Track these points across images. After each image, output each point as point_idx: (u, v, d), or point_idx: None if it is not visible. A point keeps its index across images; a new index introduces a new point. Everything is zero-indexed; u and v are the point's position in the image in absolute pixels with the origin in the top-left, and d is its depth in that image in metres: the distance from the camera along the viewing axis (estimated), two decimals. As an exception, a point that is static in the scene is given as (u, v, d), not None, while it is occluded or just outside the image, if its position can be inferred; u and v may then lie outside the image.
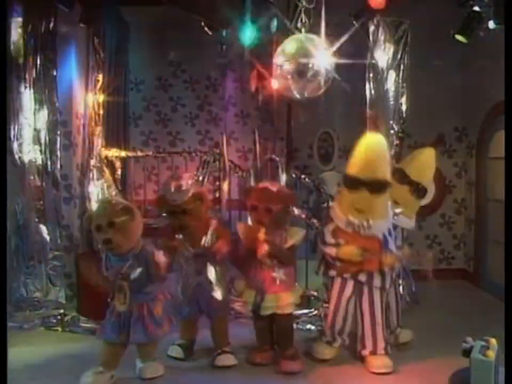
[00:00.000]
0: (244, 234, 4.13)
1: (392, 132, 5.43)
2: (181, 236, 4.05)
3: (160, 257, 3.82)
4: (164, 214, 4.30)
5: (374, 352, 4.14)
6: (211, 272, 4.03)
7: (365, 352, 4.17)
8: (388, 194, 3.99)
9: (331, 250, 4.11)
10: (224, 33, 5.56)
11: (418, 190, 4.34)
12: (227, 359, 4.13)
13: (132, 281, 3.69)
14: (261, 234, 3.92)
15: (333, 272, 4.23)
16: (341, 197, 4.20)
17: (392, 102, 5.44)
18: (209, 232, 4.02)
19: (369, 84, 5.43)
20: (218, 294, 4.03)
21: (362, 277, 4.11)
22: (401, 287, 5.39)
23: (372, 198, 3.89)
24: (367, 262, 4.02)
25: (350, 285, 4.17)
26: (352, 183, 3.95)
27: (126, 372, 3.87)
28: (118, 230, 3.63)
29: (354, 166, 3.96)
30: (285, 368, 4.03)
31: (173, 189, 4.03)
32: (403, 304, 5.29)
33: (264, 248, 3.92)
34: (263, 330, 4.22)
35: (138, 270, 3.71)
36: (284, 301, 4.05)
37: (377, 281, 4.11)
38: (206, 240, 4.00)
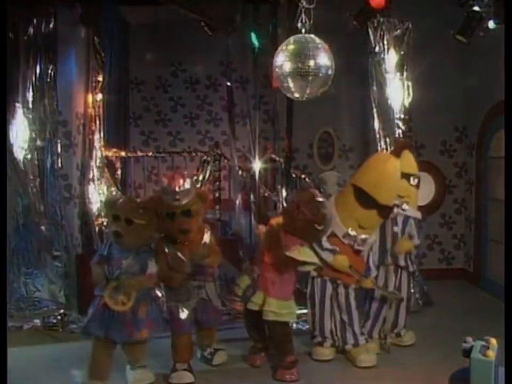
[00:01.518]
0: (266, 235, 4.04)
1: (397, 131, 5.45)
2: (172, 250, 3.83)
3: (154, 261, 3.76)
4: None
5: (356, 344, 4.23)
6: (211, 288, 3.99)
7: (348, 347, 4.26)
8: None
9: (327, 256, 4.15)
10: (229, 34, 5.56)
11: (415, 179, 4.56)
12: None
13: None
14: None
15: (314, 273, 4.29)
16: (343, 206, 4.21)
17: (395, 102, 5.45)
18: (202, 244, 3.90)
19: (372, 84, 5.44)
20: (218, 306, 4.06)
21: (339, 280, 4.26)
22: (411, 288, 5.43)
23: (378, 219, 4.18)
24: (348, 276, 4.17)
25: (329, 286, 4.28)
26: (367, 202, 4.04)
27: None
28: (134, 229, 3.63)
29: (374, 187, 4.02)
30: (280, 377, 3.96)
31: (176, 188, 3.79)
32: (415, 306, 5.34)
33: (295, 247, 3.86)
34: (251, 326, 4.20)
35: (136, 266, 3.69)
36: (285, 308, 3.98)
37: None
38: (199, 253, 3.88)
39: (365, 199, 4.03)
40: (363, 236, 4.11)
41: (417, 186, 4.62)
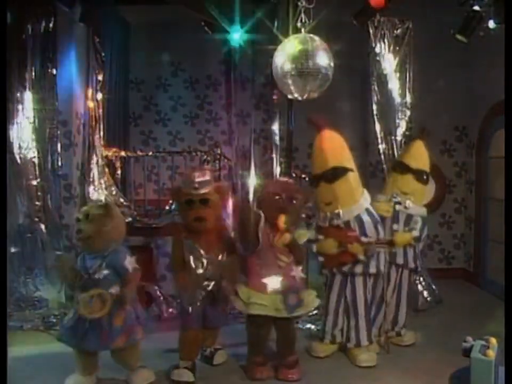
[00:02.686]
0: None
1: (399, 130, 5.45)
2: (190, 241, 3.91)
3: (132, 263, 3.69)
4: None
5: (358, 345, 4.20)
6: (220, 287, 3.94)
7: (350, 345, 4.24)
8: (349, 181, 4.12)
9: (311, 246, 4.21)
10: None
11: (421, 176, 4.53)
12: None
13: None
14: (281, 223, 3.83)
15: (324, 270, 4.32)
16: (315, 197, 4.31)
17: (395, 102, 5.44)
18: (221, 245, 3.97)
19: (372, 84, 5.43)
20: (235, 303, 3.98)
21: (345, 268, 4.18)
22: (419, 286, 5.43)
23: (333, 188, 4.08)
24: (344, 253, 4.09)
25: (338, 280, 4.25)
26: (313, 181, 4.24)
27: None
28: (91, 222, 3.62)
29: (313, 165, 4.26)
30: (284, 376, 3.93)
31: (196, 177, 3.90)
32: (423, 304, 5.33)
33: (286, 238, 3.87)
34: (259, 338, 4.00)
35: (105, 271, 3.61)
36: (307, 299, 3.99)
37: (358, 268, 4.16)
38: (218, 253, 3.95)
39: (314, 179, 4.23)
40: (338, 211, 4.07)
41: (425, 182, 4.58)
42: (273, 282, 3.90)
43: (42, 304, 5.21)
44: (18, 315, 5.03)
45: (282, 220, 3.84)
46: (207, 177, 3.96)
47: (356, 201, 4.14)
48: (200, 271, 3.90)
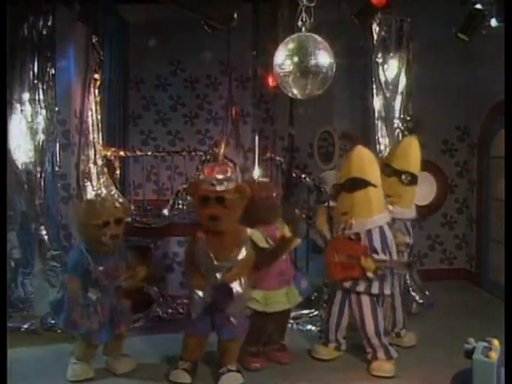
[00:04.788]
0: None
1: (398, 130, 5.41)
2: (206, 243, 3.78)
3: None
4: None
5: (374, 357, 4.15)
6: (237, 286, 3.75)
7: (368, 356, 4.20)
8: (368, 195, 4.10)
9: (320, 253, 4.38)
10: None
11: (406, 177, 4.42)
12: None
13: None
14: (286, 232, 4.15)
15: (327, 281, 4.44)
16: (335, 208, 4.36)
17: (396, 101, 5.41)
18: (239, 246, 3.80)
19: (373, 83, 5.40)
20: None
21: (347, 284, 4.14)
22: (410, 289, 5.38)
23: (350, 197, 4.11)
24: (350, 268, 4.03)
25: (339, 293, 4.25)
26: (335, 190, 4.30)
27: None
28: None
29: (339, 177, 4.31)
30: (277, 359, 4.20)
31: (215, 173, 3.75)
32: (416, 308, 5.29)
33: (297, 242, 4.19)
34: (260, 330, 4.12)
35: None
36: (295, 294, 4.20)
37: (361, 287, 4.11)
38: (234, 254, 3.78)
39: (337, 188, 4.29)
40: (352, 221, 4.08)
41: (410, 183, 4.44)
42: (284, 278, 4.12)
43: (40, 305, 5.17)
44: (16, 316, 5.00)
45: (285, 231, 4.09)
46: (229, 174, 3.78)
47: (370, 215, 4.09)
48: (209, 277, 3.76)
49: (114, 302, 3.87)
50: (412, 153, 4.47)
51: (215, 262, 3.74)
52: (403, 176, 4.40)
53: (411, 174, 4.43)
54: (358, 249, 4.02)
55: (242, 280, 3.78)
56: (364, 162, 4.13)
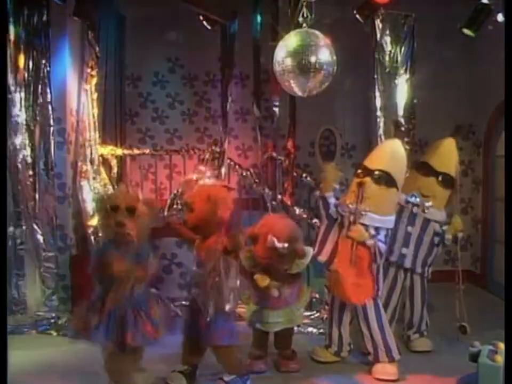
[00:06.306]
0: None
1: (402, 128, 5.31)
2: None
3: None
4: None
5: (376, 359, 4.08)
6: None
7: (370, 358, 4.14)
8: (390, 194, 3.98)
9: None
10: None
11: (445, 180, 4.38)
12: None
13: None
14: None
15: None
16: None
17: (399, 99, 5.31)
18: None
19: (375, 81, 5.29)
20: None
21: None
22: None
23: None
24: (353, 293, 3.93)
25: (338, 298, 4.17)
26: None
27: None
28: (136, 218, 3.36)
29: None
30: (285, 368, 4.11)
31: (185, 181, 3.83)
32: None
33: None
34: (263, 340, 4.16)
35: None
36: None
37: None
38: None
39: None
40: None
41: (449, 187, 4.41)
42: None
43: (35, 307, 5.10)
44: (10, 318, 4.90)
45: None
46: (196, 180, 3.95)
47: (376, 211, 3.93)
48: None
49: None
50: (452, 157, 4.46)
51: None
52: (443, 179, 4.36)
53: (451, 177, 4.41)
54: (367, 252, 3.93)
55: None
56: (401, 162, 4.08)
